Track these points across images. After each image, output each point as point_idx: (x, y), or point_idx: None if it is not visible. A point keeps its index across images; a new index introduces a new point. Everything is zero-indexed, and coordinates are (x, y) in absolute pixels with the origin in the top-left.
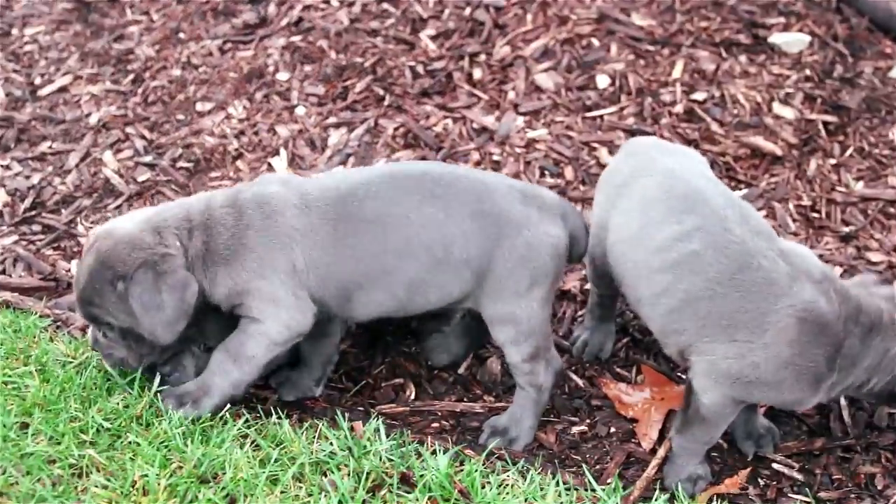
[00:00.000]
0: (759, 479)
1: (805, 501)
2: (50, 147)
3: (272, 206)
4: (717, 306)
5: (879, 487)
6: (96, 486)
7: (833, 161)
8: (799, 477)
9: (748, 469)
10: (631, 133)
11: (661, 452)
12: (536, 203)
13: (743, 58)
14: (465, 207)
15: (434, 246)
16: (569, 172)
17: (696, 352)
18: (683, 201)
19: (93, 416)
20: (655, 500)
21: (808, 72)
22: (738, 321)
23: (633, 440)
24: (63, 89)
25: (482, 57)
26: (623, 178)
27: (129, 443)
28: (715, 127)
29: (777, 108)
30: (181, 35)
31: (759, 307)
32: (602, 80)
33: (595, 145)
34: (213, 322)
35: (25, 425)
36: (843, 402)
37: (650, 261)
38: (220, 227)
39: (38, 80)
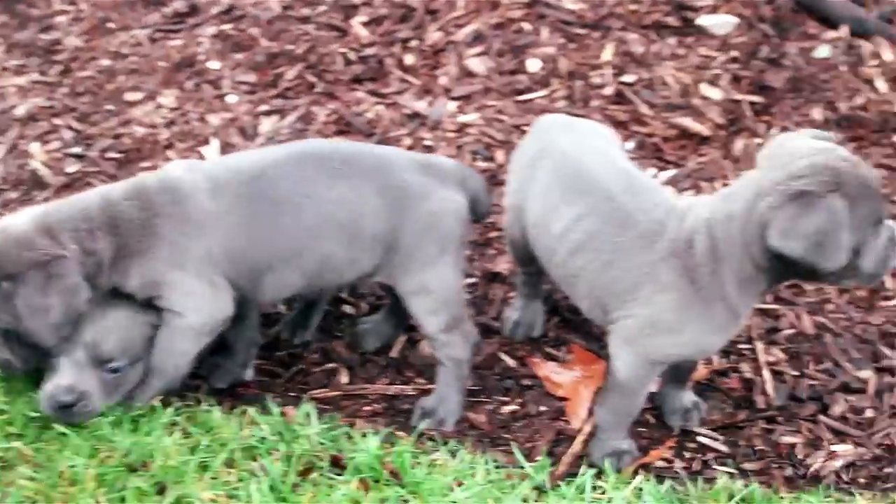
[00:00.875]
0: (685, 453)
1: (729, 473)
2: None
3: (182, 191)
4: (608, 275)
5: (800, 457)
6: (23, 479)
7: (759, 140)
8: (724, 449)
9: (673, 439)
10: None
11: (586, 428)
12: (435, 172)
13: (672, 40)
14: (371, 183)
15: (345, 224)
16: (500, 156)
17: (607, 322)
18: (572, 183)
19: (19, 408)
20: (582, 475)
21: (734, 53)
22: (627, 282)
23: (562, 418)
24: None
25: (414, 42)
26: (529, 159)
27: (58, 434)
28: (644, 109)
29: (704, 89)
30: (110, 25)
31: (637, 262)
32: (533, 64)
33: (526, 128)
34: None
35: None
36: (766, 374)
37: (554, 247)
38: (127, 221)
39: None
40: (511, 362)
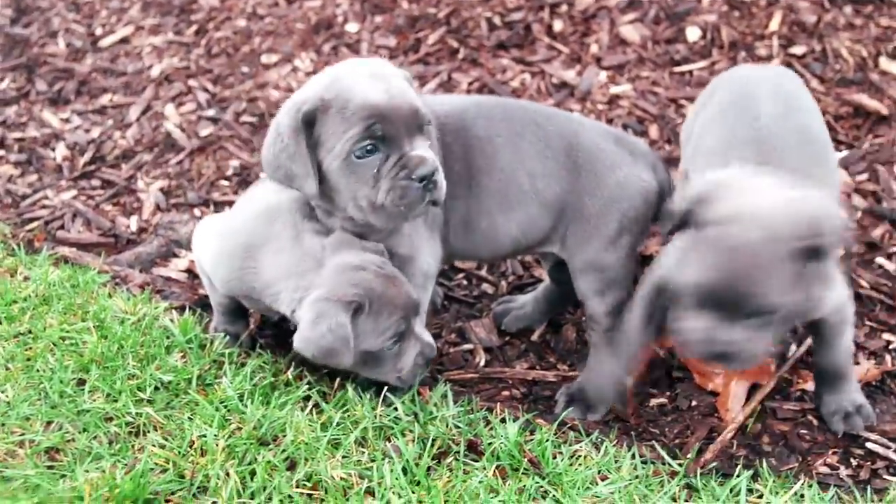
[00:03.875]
0: (852, 460)
1: None
2: (110, 100)
3: None
4: None
5: None
6: (153, 445)
7: None
8: None
9: (838, 444)
10: None
11: (740, 418)
12: (629, 148)
13: (848, 9)
14: (562, 140)
15: (536, 175)
16: (654, 131)
17: None
18: None
19: (151, 374)
20: (737, 477)
21: None
22: None
23: (715, 414)
24: (124, 40)
25: (563, 7)
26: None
27: (188, 402)
28: (815, 83)
29: (884, 63)
30: None
31: None
32: (692, 33)
33: (683, 102)
34: None
35: (82, 382)
36: None
37: None
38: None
39: (98, 31)
40: (660, 352)
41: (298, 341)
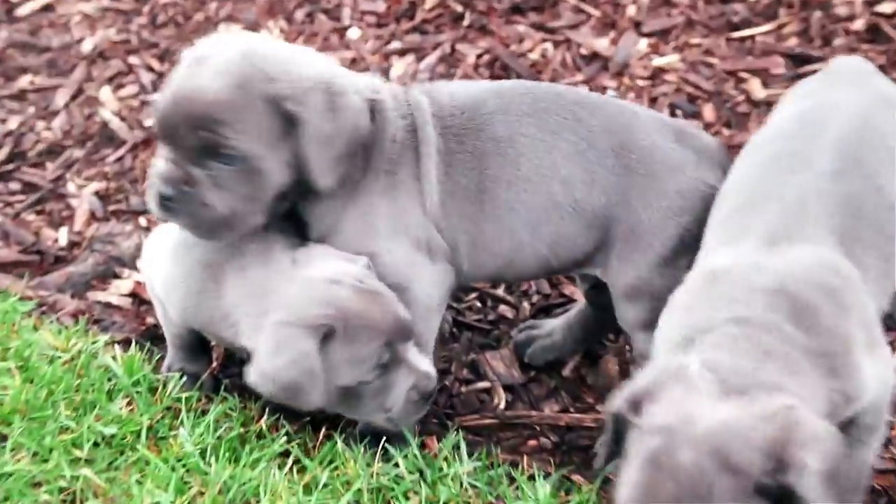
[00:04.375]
0: None
1: None
2: (31, 82)
3: (423, 116)
4: None
5: None
6: None
7: None
8: None
9: None
10: (790, 58)
11: None
12: (693, 145)
13: None
14: (610, 138)
15: (573, 183)
16: (708, 111)
17: None
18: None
19: (89, 426)
20: None
21: None
22: None
23: None
24: (47, 8)
25: None
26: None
27: (136, 461)
28: None
29: None
30: None
31: None
32: None
33: (744, 75)
34: None
35: (3, 437)
36: None
37: None
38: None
39: None
40: None
41: (254, 376)
